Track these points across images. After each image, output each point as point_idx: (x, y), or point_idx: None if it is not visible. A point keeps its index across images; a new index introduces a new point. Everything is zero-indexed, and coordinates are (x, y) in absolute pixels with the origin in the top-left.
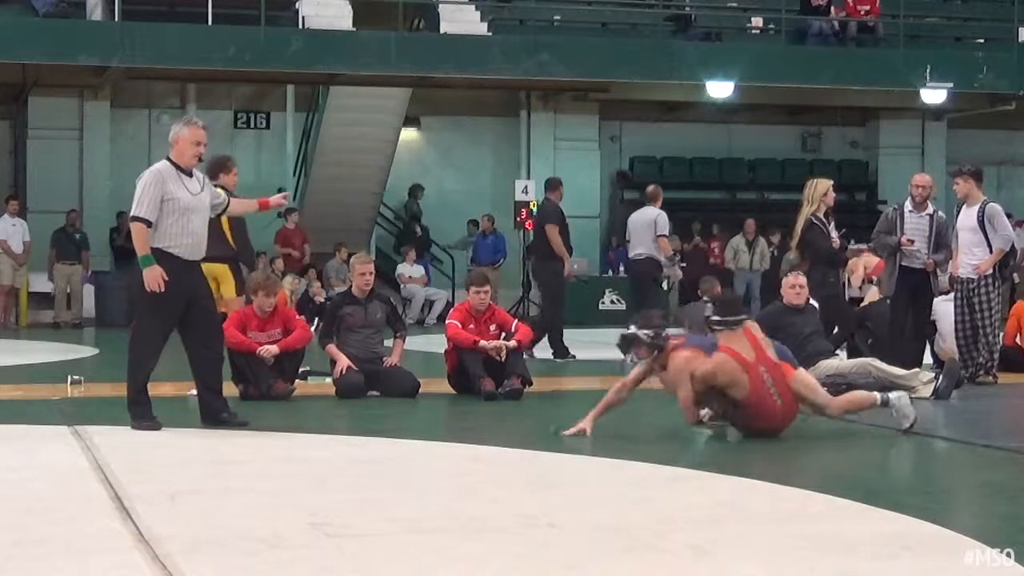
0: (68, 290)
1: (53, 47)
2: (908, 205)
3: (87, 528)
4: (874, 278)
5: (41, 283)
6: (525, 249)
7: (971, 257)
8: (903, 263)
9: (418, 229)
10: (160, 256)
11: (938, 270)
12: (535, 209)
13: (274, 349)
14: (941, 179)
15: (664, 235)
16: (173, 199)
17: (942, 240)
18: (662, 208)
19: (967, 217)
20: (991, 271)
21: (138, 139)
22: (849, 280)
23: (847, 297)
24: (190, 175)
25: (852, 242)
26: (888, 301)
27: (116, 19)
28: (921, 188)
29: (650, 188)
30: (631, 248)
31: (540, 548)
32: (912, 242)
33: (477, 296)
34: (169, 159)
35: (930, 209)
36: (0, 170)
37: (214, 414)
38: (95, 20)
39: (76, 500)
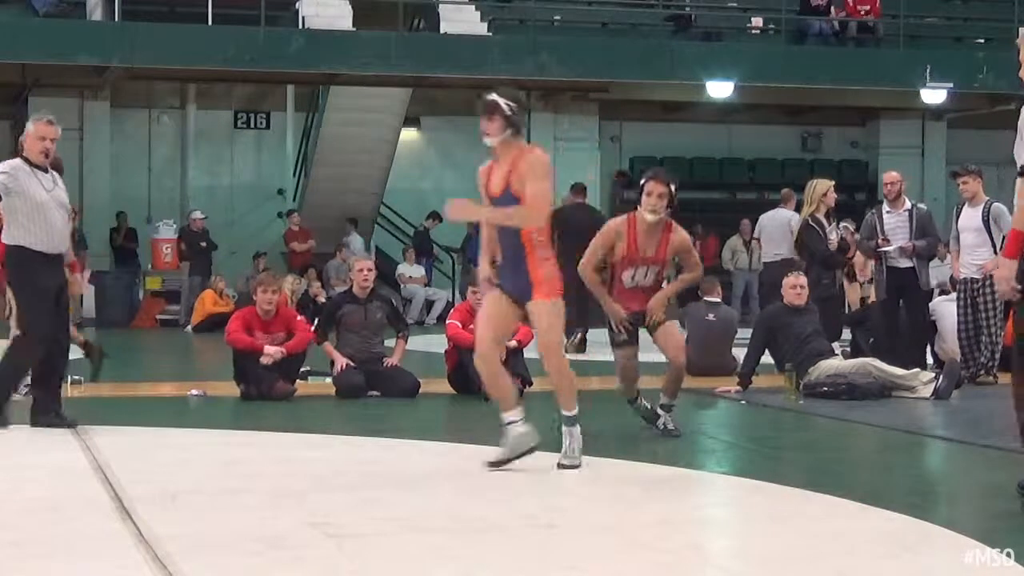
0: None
1: (53, 47)
2: (885, 206)
3: (87, 528)
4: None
5: None
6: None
7: (975, 257)
8: (888, 264)
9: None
10: (24, 253)
11: (925, 262)
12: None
13: (276, 353)
14: (941, 179)
15: None
16: (27, 196)
17: (926, 232)
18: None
19: (970, 217)
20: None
21: (138, 139)
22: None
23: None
24: (45, 171)
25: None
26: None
27: (116, 19)
28: (890, 184)
29: (784, 191)
30: (764, 251)
31: (540, 548)
32: (888, 241)
33: (475, 296)
34: (22, 156)
35: (907, 205)
36: None
37: (47, 413)
38: (95, 20)
39: (76, 500)
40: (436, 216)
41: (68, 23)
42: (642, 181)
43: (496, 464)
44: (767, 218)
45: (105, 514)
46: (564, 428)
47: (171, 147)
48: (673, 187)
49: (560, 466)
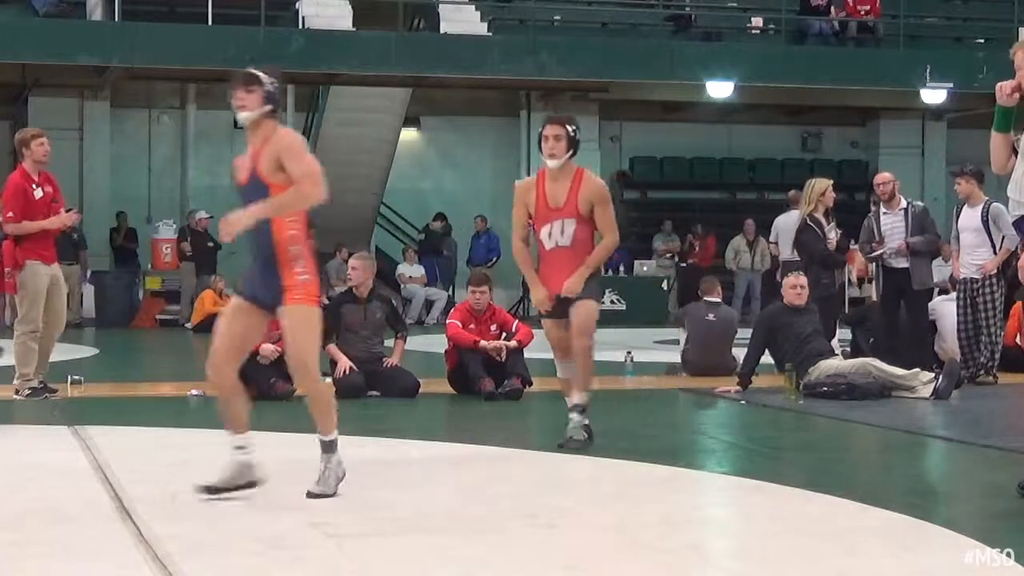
0: (67, 290)
1: (53, 47)
2: (882, 207)
3: (87, 528)
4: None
5: None
6: None
7: (974, 257)
8: (886, 264)
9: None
10: None
11: (925, 260)
12: None
13: (272, 353)
14: (941, 179)
15: None
16: None
17: (924, 229)
18: None
19: (969, 218)
20: (995, 271)
21: (138, 139)
22: (850, 280)
23: (847, 297)
24: None
25: (852, 242)
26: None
27: (116, 19)
28: (882, 185)
29: (791, 192)
30: (781, 252)
31: (540, 548)
32: (881, 242)
33: (474, 296)
34: None
35: (903, 204)
36: (0, 170)
37: None
38: (95, 20)
39: (76, 500)
40: (442, 217)
41: (68, 23)
42: (540, 130)
43: (212, 490)
44: (782, 220)
45: (105, 514)
46: (321, 454)
47: (171, 147)
48: (571, 128)
49: (309, 494)
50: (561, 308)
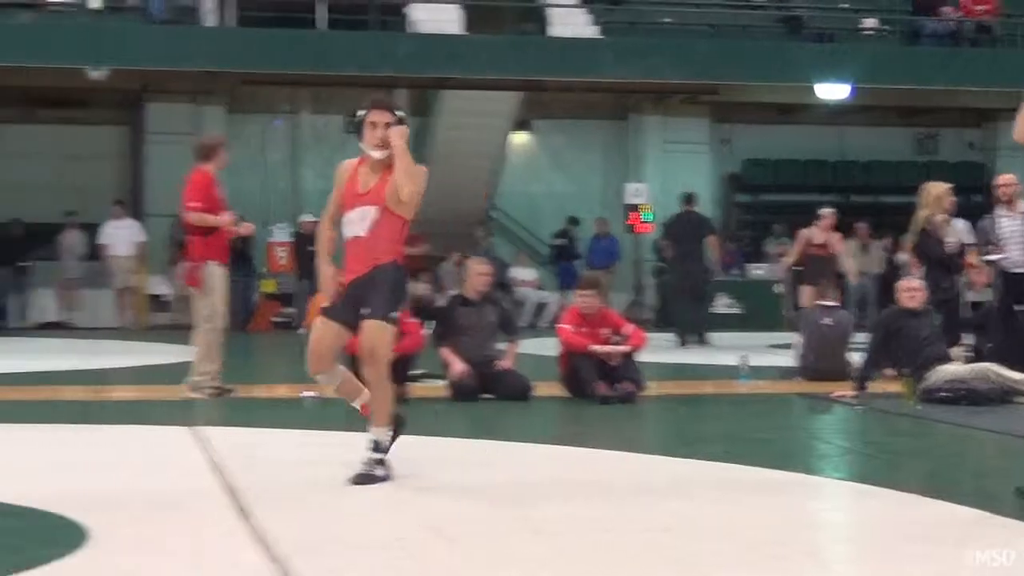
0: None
1: (168, 53)
2: (1002, 209)
3: (204, 527)
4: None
5: (159, 285)
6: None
7: None
8: (1006, 269)
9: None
10: None
11: None
12: (649, 214)
13: None
14: None
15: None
16: None
17: None
18: None
19: None
20: None
21: (254, 143)
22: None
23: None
24: None
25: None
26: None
27: (231, 24)
28: (1004, 187)
29: None
30: None
31: (646, 551)
32: (999, 248)
33: (582, 300)
34: None
35: (1022, 207)
36: (119, 174)
37: None
38: (210, 26)
39: (194, 496)
40: (575, 221)
41: (183, 29)
42: (360, 112)
43: None
44: None
45: (222, 512)
46: None
47: (284, 151)
48: (400, 115)
49: None
50: (343, 313)
